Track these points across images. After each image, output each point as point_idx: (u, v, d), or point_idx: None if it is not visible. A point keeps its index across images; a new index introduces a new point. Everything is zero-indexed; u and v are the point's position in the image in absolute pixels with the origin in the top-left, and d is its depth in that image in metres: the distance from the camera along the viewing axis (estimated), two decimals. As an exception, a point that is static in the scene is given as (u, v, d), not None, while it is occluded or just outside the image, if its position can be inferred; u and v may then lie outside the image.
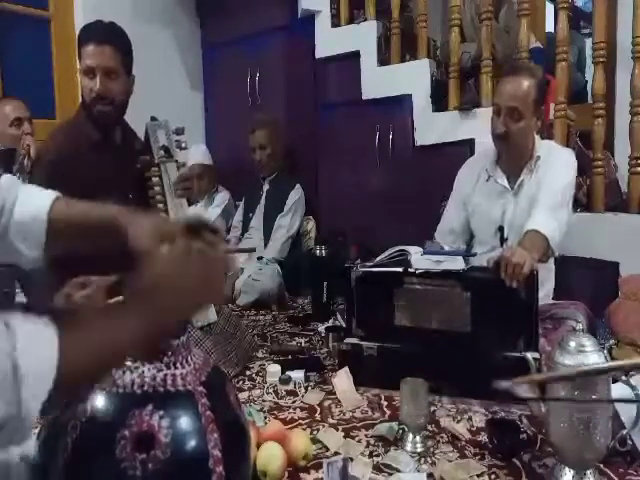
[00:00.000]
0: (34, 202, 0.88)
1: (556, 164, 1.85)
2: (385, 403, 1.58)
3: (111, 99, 1.72)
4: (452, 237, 2.06)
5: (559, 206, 1.77)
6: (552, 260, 1.93)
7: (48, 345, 0.51)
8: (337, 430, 1.41)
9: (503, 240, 1.93)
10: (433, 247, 1.97)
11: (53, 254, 0.90)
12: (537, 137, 1.92)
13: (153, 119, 1.82)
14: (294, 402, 1.61)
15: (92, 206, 0.92)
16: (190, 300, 0.68)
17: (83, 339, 0.55)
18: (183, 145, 1.84)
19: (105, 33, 1.72)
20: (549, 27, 3.86)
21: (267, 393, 1.67)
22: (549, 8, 3.89)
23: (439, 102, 2.74)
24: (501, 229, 1.93)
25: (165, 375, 0.79)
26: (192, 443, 0.76)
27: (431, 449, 1.31)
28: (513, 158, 1.91)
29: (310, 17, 3.17)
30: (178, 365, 0.81)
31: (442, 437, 1.37)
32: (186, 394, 0.79)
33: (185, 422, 0.76)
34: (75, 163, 1.66)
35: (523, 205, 1.88)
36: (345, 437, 1.37)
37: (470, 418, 1.47)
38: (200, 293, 0.69)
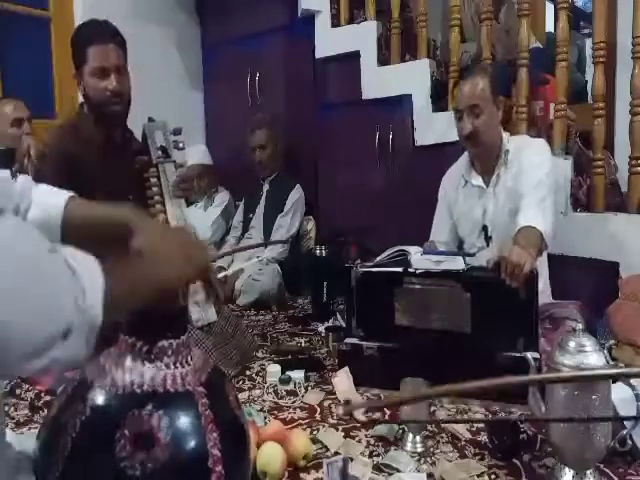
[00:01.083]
0: (49, 201, 0.88)
1: (530, 157, 1.87)
2: (385, 403, 1.58)
3: (125, 96, 1.75)
4: (443, 248, 2.08)
5: (545, 197, 1.79)
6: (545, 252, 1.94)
7: (95, 268, 0.62)
8: (337, 430, 1.41)
9: (488, 239, 1.95)
10: (432, 247, 1.97)
11: None
12: (505, 134, 1.96)
13: (150, 120, 1.82)
14: (294, 402, 1.61)
15: (106, 207, 0.91)
16: (174, 267, 0.75)
17: (117, 270, 0.67)
18: (181, 145, 1.85)
19: (108, 32, 1.74)
20: (549, 27, 3.86)
21: (267, 393, 1.67)
22: (549, 8, 3.89)
23: (439, 102, 2.74)
24: (485, 228, 1.96)
25: (165, 375, 0.79)
26: (192, 443, 0.76)
27: (431, 449, 1.31)
28: (484, 156, 1.95)
29: (310, 17, 3.16)
30: (178, 365, 0.81)
31: (442, 437, 1.37)
32: (186, 394, 0.79)
33: (185, 422, 0.76)
34: (77, 164, 1.66)
35: (502, 200, 1.91)
36: (345, 437, 1.37)
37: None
38: (182, 261, 0.77)
